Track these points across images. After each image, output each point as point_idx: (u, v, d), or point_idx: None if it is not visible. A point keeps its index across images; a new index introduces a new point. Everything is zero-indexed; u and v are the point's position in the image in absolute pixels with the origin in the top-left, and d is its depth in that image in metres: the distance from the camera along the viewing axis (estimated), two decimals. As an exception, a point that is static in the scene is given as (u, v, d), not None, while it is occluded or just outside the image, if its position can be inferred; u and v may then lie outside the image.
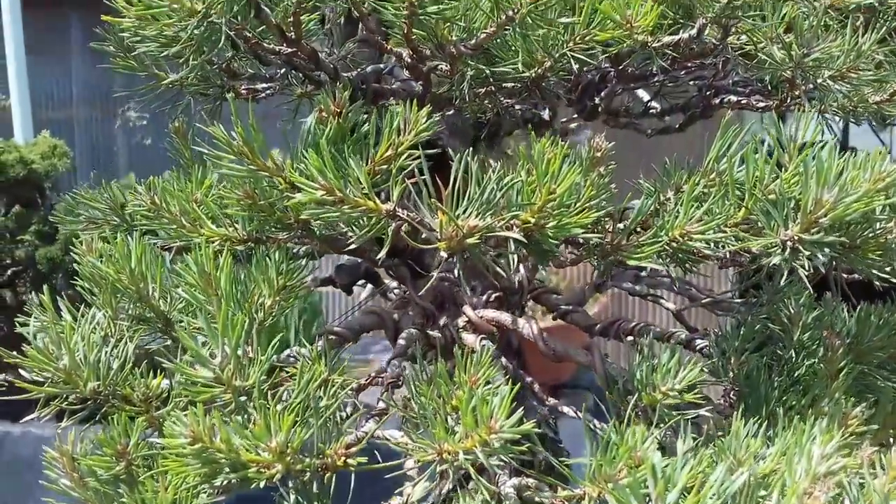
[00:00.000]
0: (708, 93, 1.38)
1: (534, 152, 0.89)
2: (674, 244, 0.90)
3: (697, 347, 1.20)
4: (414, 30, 0.92)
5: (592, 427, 0.92)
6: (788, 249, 0.83)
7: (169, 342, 1.03)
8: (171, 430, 0.72)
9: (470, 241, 0.77)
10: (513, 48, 0.98)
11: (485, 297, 1.24)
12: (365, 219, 0.84)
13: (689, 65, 1.22)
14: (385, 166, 0.90)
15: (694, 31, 1.02)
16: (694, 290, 1.33)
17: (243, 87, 1.18)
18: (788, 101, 1.15)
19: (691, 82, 1.39)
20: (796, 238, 0.82)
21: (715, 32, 1.09)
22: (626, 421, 0.81)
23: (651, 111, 1.54)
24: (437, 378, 0.80)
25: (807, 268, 0.82)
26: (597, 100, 1.49)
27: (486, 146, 1.75)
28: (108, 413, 0.89)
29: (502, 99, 1.17)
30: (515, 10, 0.88)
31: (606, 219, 0.91)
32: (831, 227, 0.81)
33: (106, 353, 0.91)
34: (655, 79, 1.16)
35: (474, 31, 0.92)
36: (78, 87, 6.53)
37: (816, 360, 1.07)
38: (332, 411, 0.79)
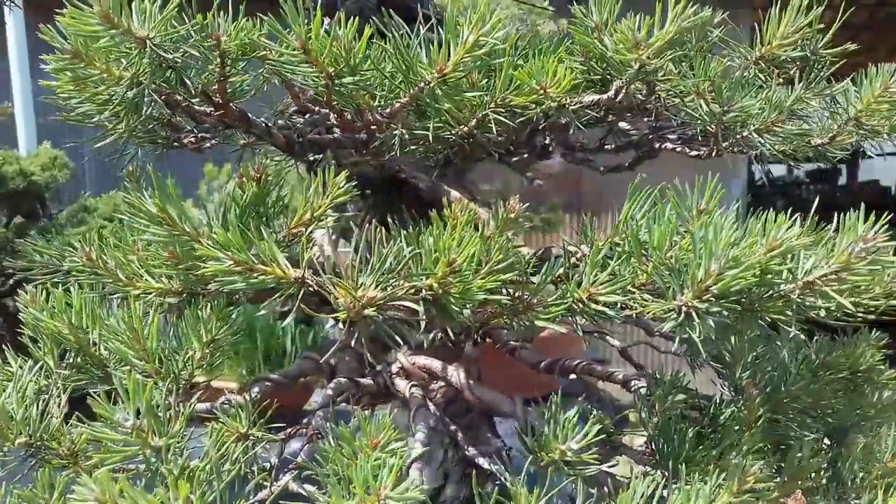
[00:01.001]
0: (651, 136, 1.41)
1: (446, 214, 0.92)
2: (580, 304, 0.93)
3: (634, 388, 1.23)
4: (334, 97, 0.96)
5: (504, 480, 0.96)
6: (683, 315, 0.86)
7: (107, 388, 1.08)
8: (80, 493, 0.76)
9: (368, 311, 0.80)
10: (436, 108, 1.02)
11: (432, 336, 1.27)
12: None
13: (624, 115, 1.25)
14: (303, 228, 0.94)
15: (612, 93, 1.05)
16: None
17: (187, 138, 1.21)
18: (715, 152, 1.17)
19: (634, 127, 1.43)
20: (690, 305, 0.85)
21: (641, 89, 1.12)
22: (522, 481, 0.85)
23: (606, 147, 1.57)
24: (341, 439, 0.84)
25: (698, 333, 0.84)
26: (547, 139, 1.53)
27: (454, 172, 1.79)
28: (40, 465, 0.93)
29: (440, 147, 1.20)
30: (426, 83, 0.91)
31: (518, 279, 0.94)
32: (721, 295, 0.83)
33: (37, 407, 0.95)
34: (582, 129, 1.19)
35: (391, 99, 0.95)
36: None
37: (737, 408, 1.10)
38: (238, 470, 0.83)
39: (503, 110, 1.01)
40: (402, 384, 1.11)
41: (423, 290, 0.85)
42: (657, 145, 1.37)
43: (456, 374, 1.10)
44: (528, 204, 0.98)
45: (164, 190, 0.90)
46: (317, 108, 1.04)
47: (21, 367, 1.08)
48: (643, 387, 1.20)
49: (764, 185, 9.76)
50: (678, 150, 1.29)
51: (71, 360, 1.09)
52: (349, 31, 0.92)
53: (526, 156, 1.71)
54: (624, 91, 1.04)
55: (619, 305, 0.91)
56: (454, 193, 1.75)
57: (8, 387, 0.99)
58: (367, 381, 1.12)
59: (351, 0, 1.68)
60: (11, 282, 4.63)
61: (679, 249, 0.88)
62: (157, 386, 0.95)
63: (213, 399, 1.07)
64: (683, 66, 1.17)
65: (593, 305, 0.90)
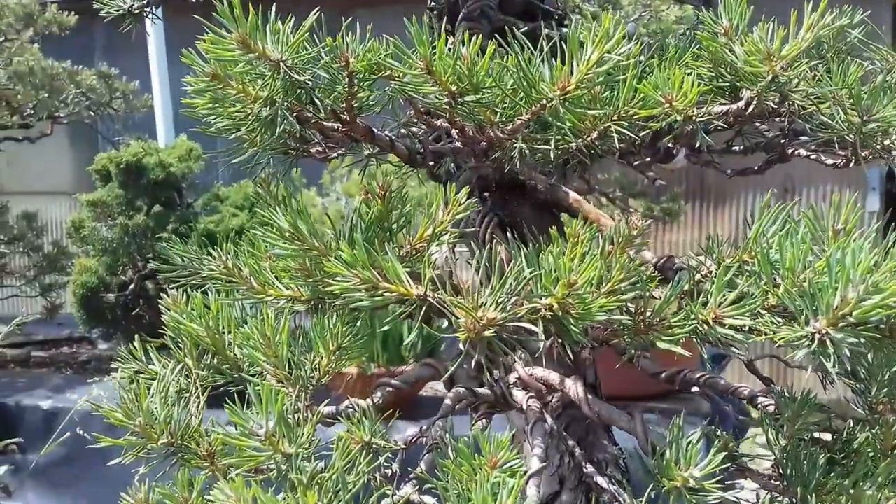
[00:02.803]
0: (783, 141, 1.35)
1: (566, 232, 0.92)
2: (705, 326, 0.91)
3: (761, 406, 1.19)
4: (456, 113, 0.97)
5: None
6: (816, 342, 0.83)
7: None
8: (217, 498, 0.81)
9: (488, 333, 0.81)
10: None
11: (548, 344, 1.28)
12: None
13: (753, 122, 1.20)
14: (425, 244, 0.96)
15: (742, 104, 1.01)
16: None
17: (315, 148, 1.26)
18: (853, 161, 1.11)
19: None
20: (824, 332, 0.82)
21: (773, 97, 1.08)
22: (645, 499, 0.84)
23: (733, 148, 1.52)
24: (460, 454, 0.86)
25: (832, 363, 0.81)
26: (671, 143, 1.49)
27: (577, 171, 1.78)
28: (180, 464, 1.00)
29: (559, 154, 1.19)
30: (548, 101, 0.91)
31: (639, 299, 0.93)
32: (859, 322, 0.79)
33: (178, 408, 1.02)
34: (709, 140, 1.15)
35: (512, 115, 0.96)
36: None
37: (872, 433, 1.04)
38: (363, 479, 0.86)
39: (626, 123, 0.99)
40: (519, 395, 1.12)
41: (543, 310, 0.85)
42: (789, 150, 1.32)
43: (574, 388, 1.10)
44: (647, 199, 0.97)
45: (295, 206, 0.94)
46: (439, 122, 1.06)
47: (164, 367, 1.16)
48: (771, 405, 1.16)
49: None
50: (812, 157, 1.23)
51: (208, 362, 1.15)
52: (472, 50, 0.93)
53: (648, 159, 1.67)
54: (755, 102, 1.00)
55: (746, 329, 0.88)
56: (573, 195, 1.74)
57: (152, 386, 1.07)
58: (484, 391, 1.13)
59: (473, 1, 1.69)
60: (151, 265, 4.94)
61: (813, 272, 0.84)
62: (288, 393, 1.00)
63: (336, 383, 1.11)
64: (819, 69, 1.11)
65: (720, 329, 0.88)
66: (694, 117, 0.99)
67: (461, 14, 1.67)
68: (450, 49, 0.94)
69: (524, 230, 1.58)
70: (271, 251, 1.00)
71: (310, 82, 0.96)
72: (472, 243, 1.34)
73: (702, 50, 1.15)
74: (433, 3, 1.76)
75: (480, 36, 0.95)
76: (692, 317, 0.90)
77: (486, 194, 1.56)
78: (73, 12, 5.66)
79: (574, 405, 1.11)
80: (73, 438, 3.78)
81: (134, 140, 5.95)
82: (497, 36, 1.82)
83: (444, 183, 1.63)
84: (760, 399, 1.18)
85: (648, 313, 0.90)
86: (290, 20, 0.98)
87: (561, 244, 0.90)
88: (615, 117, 1.01)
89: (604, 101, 1.00)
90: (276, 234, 0.94)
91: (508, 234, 1.07)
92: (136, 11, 1.53)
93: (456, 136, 1.04)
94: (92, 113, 6.06)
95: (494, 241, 1.19)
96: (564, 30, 1.84)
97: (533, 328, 0.81)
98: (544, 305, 0.85)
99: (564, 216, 1.50)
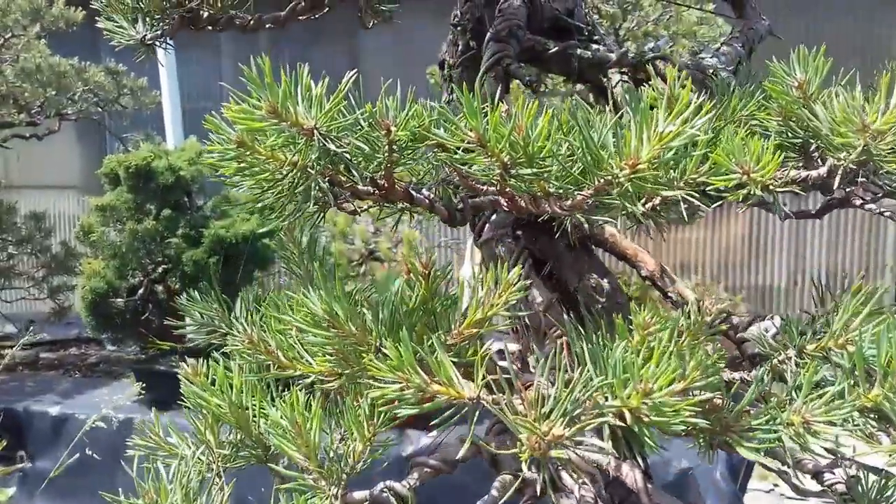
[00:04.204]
0: (847, 190, 1.25)
1: (635, 323, 0.83)
2: (791, 429, 0.81)
3: (828, 483, 1.10)
4: (508, 185, 0.88)
5: None
6: (922, 459, 0.73)
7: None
8: None
9: (555, 452, 0.72)
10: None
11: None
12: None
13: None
14: (475, 330, 0.87)
15: (824, 171, 0.92)
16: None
17: (346, 204, 1.16)
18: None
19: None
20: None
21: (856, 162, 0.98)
22: None
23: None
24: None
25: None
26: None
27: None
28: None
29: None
30: (614, 178, 0.81)
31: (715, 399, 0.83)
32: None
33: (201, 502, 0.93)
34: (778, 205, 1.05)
35: (571, 189, 0.86)
36: (227, 81, 6.84)
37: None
38: None
39: (696, 192, 0.89)
40: (569, 480, 1.03)
41: (612, 416, 0.76)
42: (856, 202, 1.21)
43: (631, 475, 1.00)
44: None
45: (332, 289, 0.85)
46: (484, 188, 0.96)
47: (182, 441, 1.07)
48: (839, 483, 1.06)
49: None
50: (886, 214, 1.13)
51: (231, 438, 1.07)
52: (528, 119, 0.83)
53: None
54: (840, 171, 0.90)
55: (838, 438, 0.79)
56: (608, 229, 1.64)
57: (171, 470, 0.98)
58: (531, 473, 1.04)
59: (501, 20, 1.59)
60: (161, 269, 4.86)
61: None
62: (321, 489, 0.91)
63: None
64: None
65: (810, 438, 0.78)
66: (773, 187, 0.90)
67: (489, 35, 1.57)
68: (503, 114, 0.84)
69: (561, 270, 1.49)
70: (304, 339, 0.91)
71: (347, 153, 0.86)
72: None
73: (769, 100, 1.05)
74: (457, 20, 1.65)
75: (535, 102, 0.85)
76: (776, 420, 0.81)
77: (519, 232, 1.47)
78: (80, 7, 5.57)
79: (630, 494, 1.02)
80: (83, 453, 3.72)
81: (142, 137, 5.87)
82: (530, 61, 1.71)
83: (472, 223, 1.54)
84: (826, 475, 1.09)
85: (726, 416, 0.81)
86: (323, 81, 0.89)
87: (627, 337, 0.81)
88: (682, 184, 0.91)
89: (670, 168, 0.90)
90: (308, 320, 0.85)
91: (565, 317, 0.97)
92: (149, 42, 1.43)
93: (505, 205, 0.94)
94: (100, 109, 5.97)
95: (554, 332, 1.09)
96: (595, 46, 1.74)
97: (602, 444, 0.72)
98: (615, 413, 0.76)
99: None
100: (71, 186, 7.88)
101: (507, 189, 0.89)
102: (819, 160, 0.99)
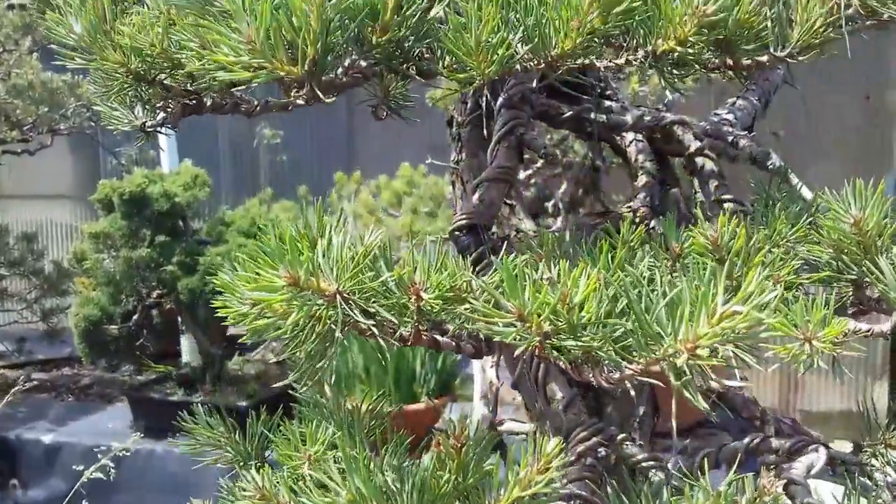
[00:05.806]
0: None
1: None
2: None
3: None
4: (546, 351, 0.80)
5: None
6: None
7: None
8: None
9: None
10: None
11: None
12: None
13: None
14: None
15: (887, 327, 0.85)
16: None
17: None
18: None
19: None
20: None
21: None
22: None
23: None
24: None
25: None
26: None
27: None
28: None
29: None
30: (669, 357, 0.74)
31: None
32: None
33: None
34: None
35: (619, 362, 0.79)
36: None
37: None
38: None
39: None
40: None
41: None
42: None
43: None
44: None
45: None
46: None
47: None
48: None
49: None
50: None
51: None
52: (571, 289, 0.76)
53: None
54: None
55: None
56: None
57: None
58: None
59: (513, 83, 1.52)
60: (155, 294, 4.77)
61: None
62: None
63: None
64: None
65: None
66: (833, 353, 0.83)
67: (500, 100, 1.50)
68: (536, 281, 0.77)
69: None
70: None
71: (372, 318, 0.79)
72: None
73: (819, 229, 0.98)
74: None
75: (578, 268, 0.77)
76: None
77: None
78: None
79: None
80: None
81: (135, 152, 5.77)
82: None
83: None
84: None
85: None
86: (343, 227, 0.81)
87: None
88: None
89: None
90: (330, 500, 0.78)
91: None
92: (150, 129, 1.35)
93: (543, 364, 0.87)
94: (93, 124, 5.88)
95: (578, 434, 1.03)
96: (608, 103, 1.67)
97: None
98: None
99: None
100: (63, 196, 7.78)
101: (545, 354, 0.82)
102: (877, 301, 0.92)
